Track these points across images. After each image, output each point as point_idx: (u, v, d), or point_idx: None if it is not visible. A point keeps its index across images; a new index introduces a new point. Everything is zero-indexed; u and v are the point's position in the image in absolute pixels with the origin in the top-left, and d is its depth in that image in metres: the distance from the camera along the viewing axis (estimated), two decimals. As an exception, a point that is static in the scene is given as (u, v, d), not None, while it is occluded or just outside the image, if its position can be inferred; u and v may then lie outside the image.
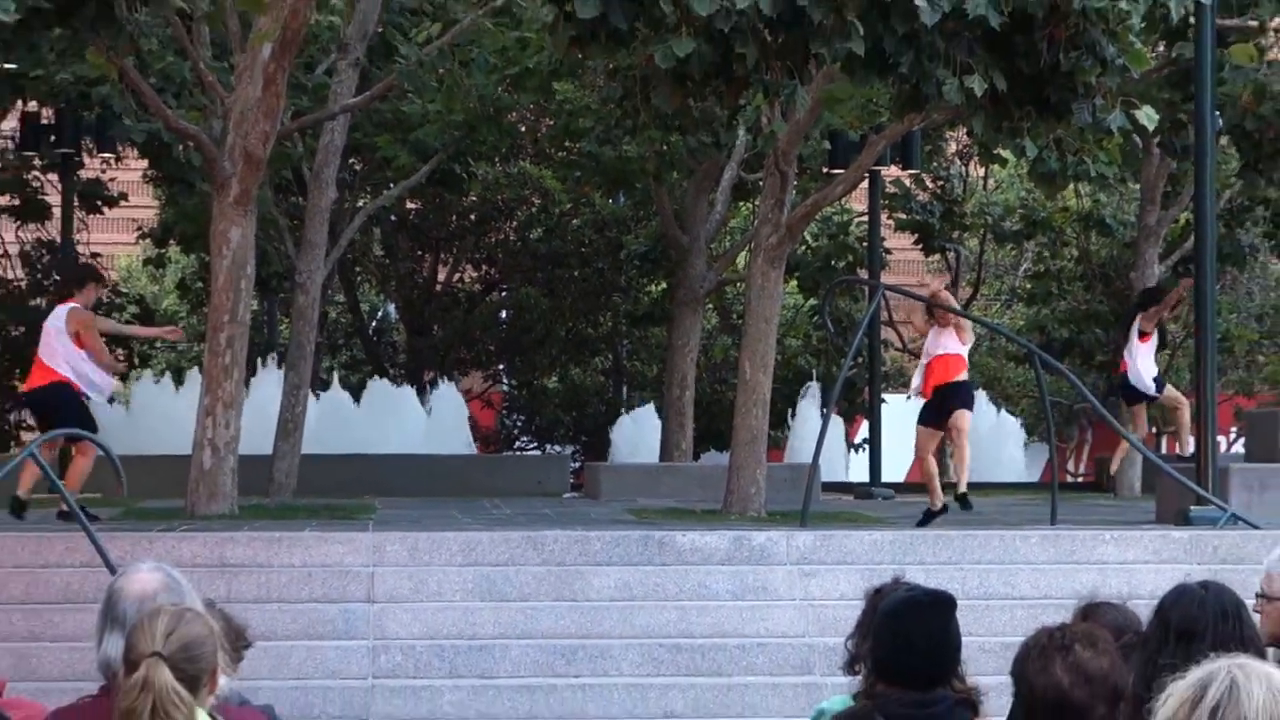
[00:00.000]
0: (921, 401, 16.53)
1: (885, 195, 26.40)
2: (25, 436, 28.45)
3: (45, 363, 15.61)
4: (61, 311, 15.71)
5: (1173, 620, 5.00)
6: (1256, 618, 5.39)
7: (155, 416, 25.94)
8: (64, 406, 15.49)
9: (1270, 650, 5.32)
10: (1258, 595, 5.54)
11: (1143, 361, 18.59)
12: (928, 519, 15.72)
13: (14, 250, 29.89)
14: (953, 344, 16.26)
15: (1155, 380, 18.82)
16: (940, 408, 16.21)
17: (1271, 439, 16.77)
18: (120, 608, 4.85)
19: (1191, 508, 14.90)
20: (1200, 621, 4.95)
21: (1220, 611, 5.01)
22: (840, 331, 30.69)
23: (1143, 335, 18.59)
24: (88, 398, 15.77)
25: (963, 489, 16.09)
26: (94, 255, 29.68)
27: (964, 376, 16.42)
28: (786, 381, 27.89)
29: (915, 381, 16.88)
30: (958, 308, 17.47)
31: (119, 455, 14.67)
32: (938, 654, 5.23)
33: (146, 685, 3.94)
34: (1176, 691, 2.98)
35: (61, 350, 15.51)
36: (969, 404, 16.48)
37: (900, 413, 31.49)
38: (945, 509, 15.97)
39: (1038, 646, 4.29)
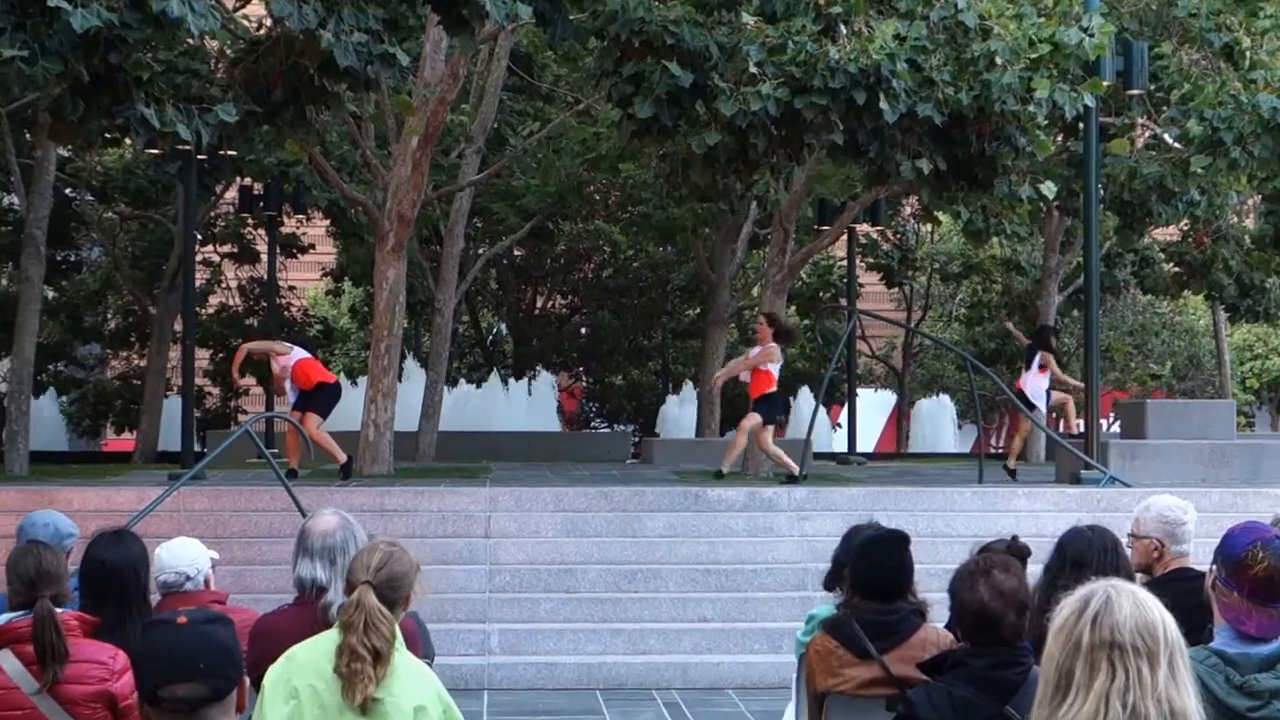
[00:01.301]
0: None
1: (859, 245, 26.32)
2: (240, 417, 28.67)
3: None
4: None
5: (1068, 553, 4.99)
6: (1130, 552, 5.37)
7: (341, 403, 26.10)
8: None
9: (1139, 576, 5.29)
10: (1129, 535, 5.51)
11: (1038, 385, 18.19)
12: (791, 481, 14.85)
13: (233, 284, 30.13)
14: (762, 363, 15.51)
15: (1043, 397, 18.45)
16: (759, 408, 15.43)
17: (1139, 422, 16.63)
18: (309, 541, 4.89)
19: (1081, 472, 14.82)
20: (1088, 554, 4.93)
21: (1103, 547, 5.00)
22: (826, 343, 30.65)
23: (1042, 369, 18.25)
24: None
25: (725, 469, 15.36)
26: (290, 288, 29.96)
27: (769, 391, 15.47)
28: (787, 380, 27.84)
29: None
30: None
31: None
32: (897, 576, 5.24)
33: (359, 605, 3.96)
34: (1066, 605, 2.98)
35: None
36: (761, 412, 15.45)
37: (869, 402, 31.54)
38: (805, 476, 15.05)
39: (966, 572, 4.28)
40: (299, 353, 16.11)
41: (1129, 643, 2.87)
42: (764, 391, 15.45)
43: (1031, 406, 18.09)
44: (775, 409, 15.73)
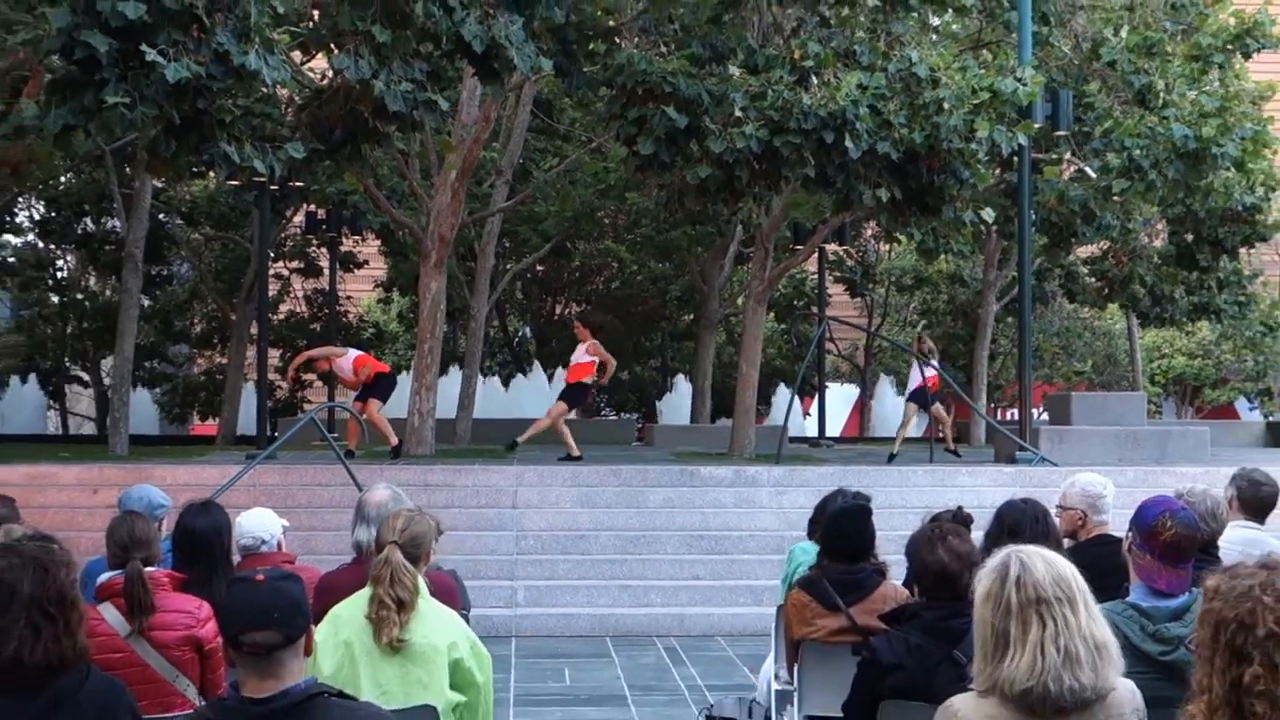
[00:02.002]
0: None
1: (828, 261, 26.30)
2: (305, 407, 28.64)
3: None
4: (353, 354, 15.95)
5: (1006, 522, 4.98)
6: (1058, 520, 5.37)
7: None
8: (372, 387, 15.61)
9: (1065, 541, 5.28)
10: (1058, 507, 5.51)
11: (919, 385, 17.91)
12: (570, 459, 14.74)
13: (300, 294, 30.12)
14: (584, 356, 15.37)
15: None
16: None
17: (1064, 411, 16.63)
18: (365, 511, 4.91)
19: (1016, 453, 14.82)
20: (1022, 522, 4.93)
21: (1034, 516, 4.99)
22: (800, 344, 30.64)
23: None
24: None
25: (522, 439, 15.13)
26: (347, 297, 29.96)
27: (585, 380, 15.42)
28: (766, 375, 27.83)
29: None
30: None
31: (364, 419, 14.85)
32: (861, 542, 5.24)
33: (388, 561, 4.00)
34: (985, 575, 3.00)
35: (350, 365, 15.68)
36: (566, 398, 15.43)
37: (836, 395, 31.51)
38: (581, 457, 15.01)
39: (925, 538, 4.28)
40: (353, 352, 16.11)
41: (1051, 595, 2.88)
42: (581, 379, 15.34)
43: (927, 402, 17.79)
44: (581, 397, 15.60)
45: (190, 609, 4.43)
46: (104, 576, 4.54)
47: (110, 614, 4.36)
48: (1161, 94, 16.72)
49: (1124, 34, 17.14)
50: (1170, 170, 16.50)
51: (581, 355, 15.49)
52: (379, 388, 15.60)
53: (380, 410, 15.38)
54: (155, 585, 4.42)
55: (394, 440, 15.18)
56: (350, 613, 4.08)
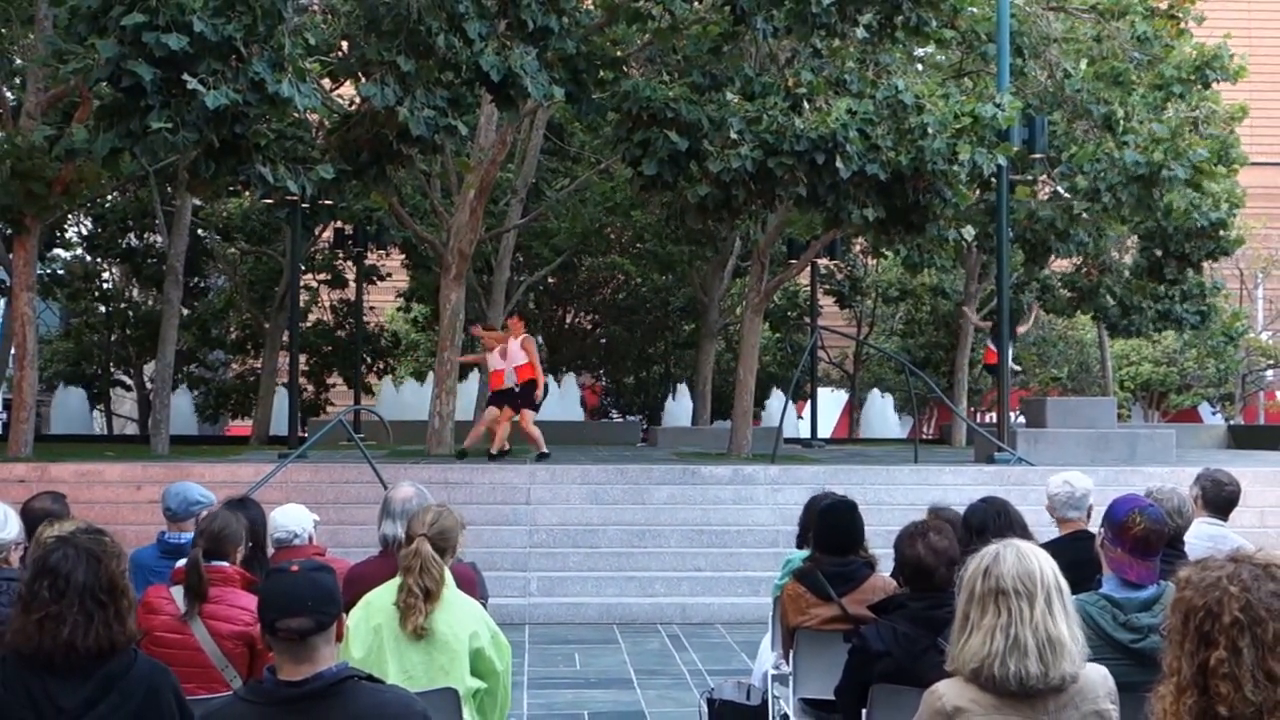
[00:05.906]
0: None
1: (820, 275, 26.28)
2: (329, 410, 28.61)
3: None
4: None
5: (972, 524, 4.98)
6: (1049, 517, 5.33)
7: (411, 398, 26.11)
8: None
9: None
10: (1046, 507, 5.47)
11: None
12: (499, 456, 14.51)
13: (327, 304, 30.11)
14: (522, 356, 14.61)
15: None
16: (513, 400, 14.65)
17: (1040, 415, 16.60)
18: (391, 507, 4.91)
19: (995, 453, 14.80)
20: (986, 520, 4.93)
21: (995, 512, 4.99)
22: (794, 352, 30.63)
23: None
24: None
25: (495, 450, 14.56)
26: (371, 308, 29.95)
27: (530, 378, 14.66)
28: (762, 381, 27.79)
29: (510, 380, 14.65)
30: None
31: (392, 421, 14.83)
32: (850, 535, 5.24)
33: (418, 553, 4.02)
34: (969, 563, 3.06)
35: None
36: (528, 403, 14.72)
37: (827, 399, 31.48)
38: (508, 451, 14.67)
39: (908, 533, 4.28)
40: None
41: (1010, 587, 2.93)
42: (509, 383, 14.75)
43: None
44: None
45: (251, 608, 4.43)
46: (182, 562, 4.63)
47: (180, 596, 4.41)
48: (1122, 122, 16.78)
49: (1083, 66, 17.20)
50: (1125, 194, 16.60)
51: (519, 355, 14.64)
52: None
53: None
54: (225, 580, 4.47)
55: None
56: (381, 600, 4.11)
